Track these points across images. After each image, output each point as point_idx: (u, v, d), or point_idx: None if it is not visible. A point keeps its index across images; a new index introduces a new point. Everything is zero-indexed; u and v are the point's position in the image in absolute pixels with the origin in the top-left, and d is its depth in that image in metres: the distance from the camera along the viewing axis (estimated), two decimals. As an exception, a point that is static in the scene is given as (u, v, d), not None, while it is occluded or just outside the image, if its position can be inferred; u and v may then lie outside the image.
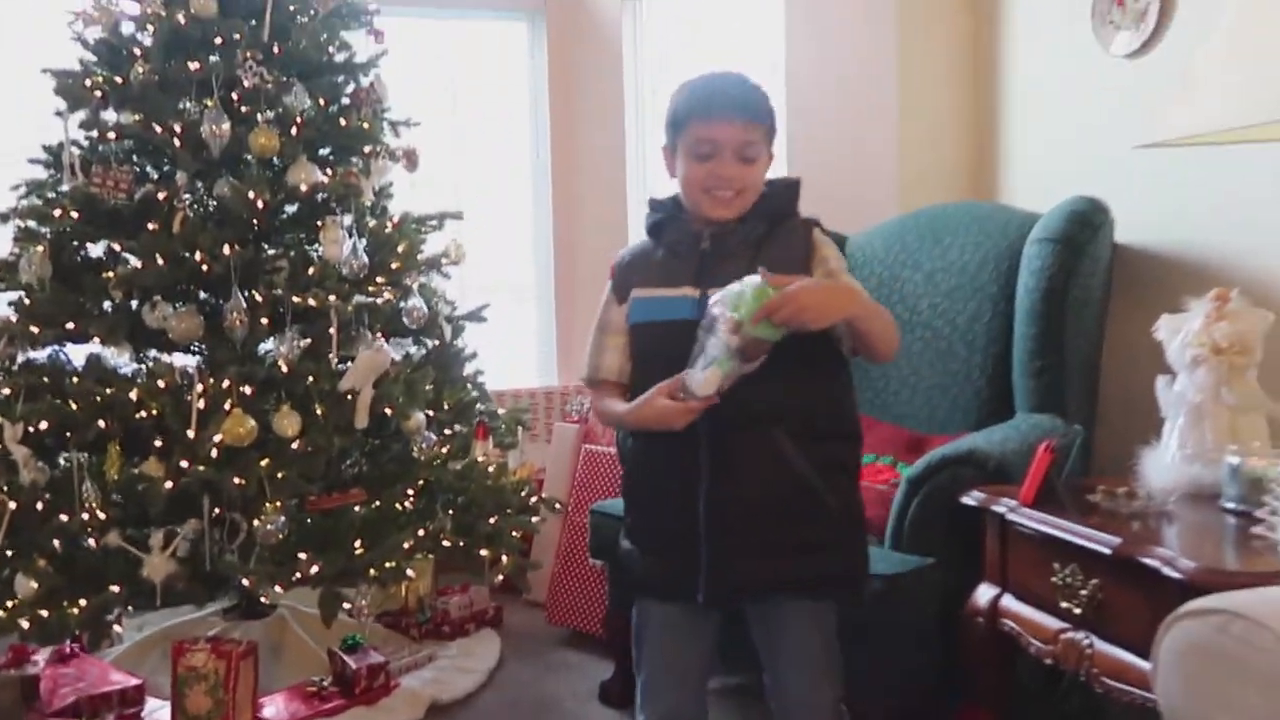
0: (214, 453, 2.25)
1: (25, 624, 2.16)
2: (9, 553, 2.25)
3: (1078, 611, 1.62)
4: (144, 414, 2.31)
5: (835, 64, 3.06)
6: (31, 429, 2.32)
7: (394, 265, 2.61)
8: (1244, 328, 1.77)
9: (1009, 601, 1.81)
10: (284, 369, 2.35)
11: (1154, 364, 1.91)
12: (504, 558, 2.64)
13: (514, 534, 2.69)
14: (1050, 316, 2.23)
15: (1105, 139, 2.43)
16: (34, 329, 2.41)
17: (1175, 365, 1.86)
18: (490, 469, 2.69)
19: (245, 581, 2.24)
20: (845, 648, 1.63)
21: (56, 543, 2.26)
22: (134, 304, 2.48)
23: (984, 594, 1.86)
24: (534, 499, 2.86)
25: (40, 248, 2.47)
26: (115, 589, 2.20)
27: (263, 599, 2.68)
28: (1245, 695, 1.03)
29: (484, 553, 2.60)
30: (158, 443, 2.33)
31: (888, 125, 2.89)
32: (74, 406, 2.34)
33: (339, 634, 2.68)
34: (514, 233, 4.17)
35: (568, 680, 2.70)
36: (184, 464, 2.24)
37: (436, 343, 2.80)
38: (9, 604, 2.20)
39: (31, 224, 2.53)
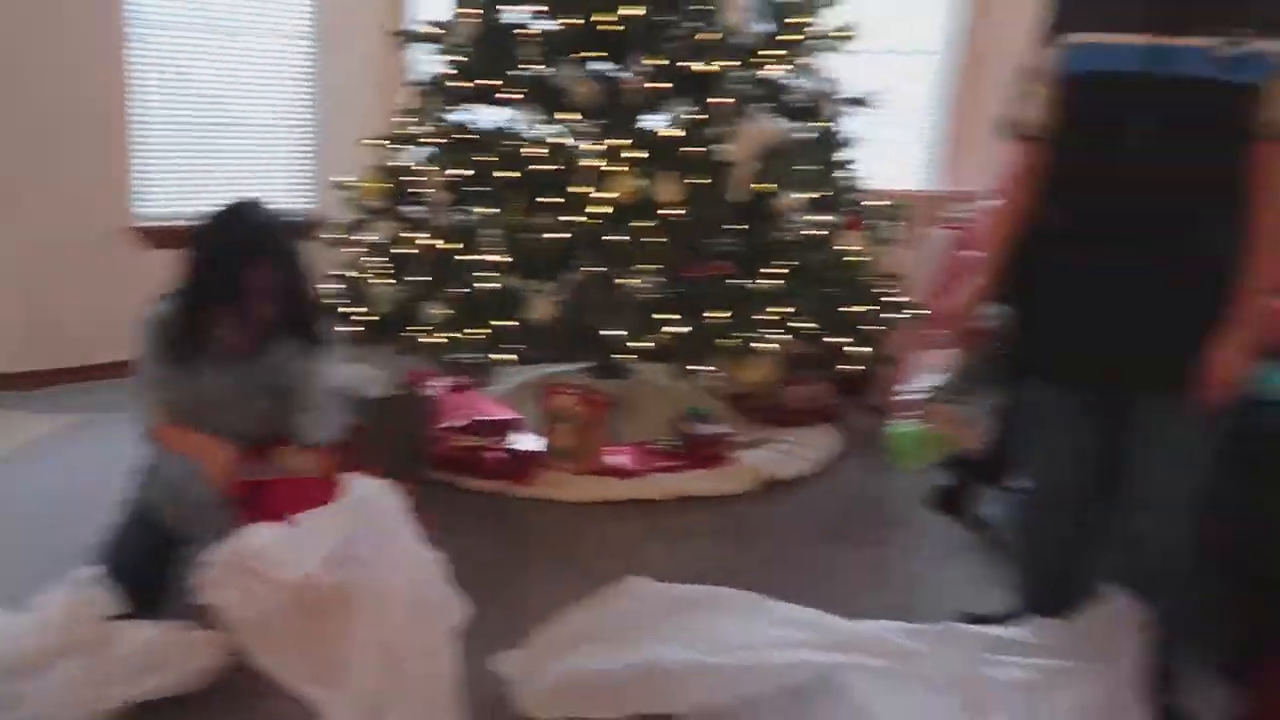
0: (599, 210, 2.35)
1: (433, 342, 2.45)
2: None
3: None
4: (541, 169, 2.44)
5: None
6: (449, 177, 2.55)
7: (788, 38, 2.50)
8: None
9: None
10: (667, 135, 2.36)
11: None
12: (854, 349, 2.59)
13: (869, 328, 2.62)
14: None
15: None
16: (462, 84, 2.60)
17: None
18: (857, 261, 2.60)
19: (608, 333, 2.37)
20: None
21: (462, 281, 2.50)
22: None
23: None
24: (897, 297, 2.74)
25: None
26: (506, 323, 2.42)
27: (618, 361, 2.83)
28: None
29: (837, 340, 2.57)
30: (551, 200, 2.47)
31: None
32: (482, 160, 2.51)
33: (685, 405, 2.81)
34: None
35: (901, 481, 2.63)
36: (572, 219, 2.37)
37: (822, 125, 2.68)
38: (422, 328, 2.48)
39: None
